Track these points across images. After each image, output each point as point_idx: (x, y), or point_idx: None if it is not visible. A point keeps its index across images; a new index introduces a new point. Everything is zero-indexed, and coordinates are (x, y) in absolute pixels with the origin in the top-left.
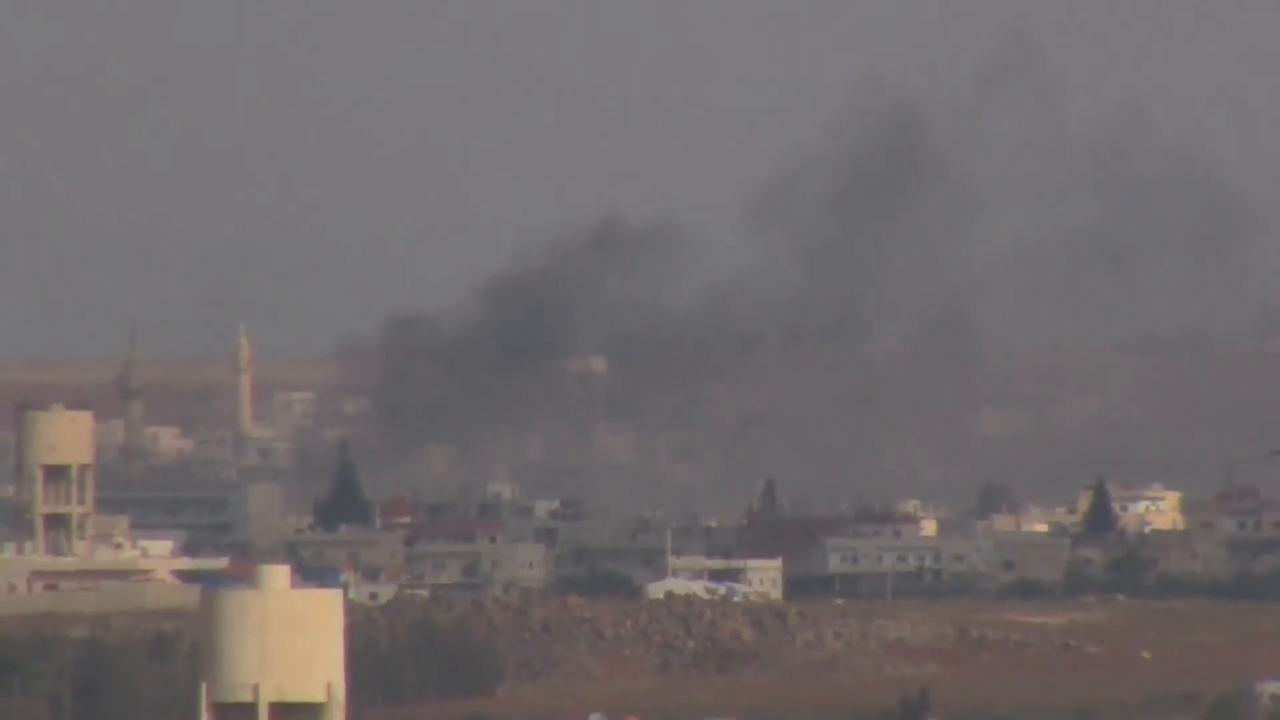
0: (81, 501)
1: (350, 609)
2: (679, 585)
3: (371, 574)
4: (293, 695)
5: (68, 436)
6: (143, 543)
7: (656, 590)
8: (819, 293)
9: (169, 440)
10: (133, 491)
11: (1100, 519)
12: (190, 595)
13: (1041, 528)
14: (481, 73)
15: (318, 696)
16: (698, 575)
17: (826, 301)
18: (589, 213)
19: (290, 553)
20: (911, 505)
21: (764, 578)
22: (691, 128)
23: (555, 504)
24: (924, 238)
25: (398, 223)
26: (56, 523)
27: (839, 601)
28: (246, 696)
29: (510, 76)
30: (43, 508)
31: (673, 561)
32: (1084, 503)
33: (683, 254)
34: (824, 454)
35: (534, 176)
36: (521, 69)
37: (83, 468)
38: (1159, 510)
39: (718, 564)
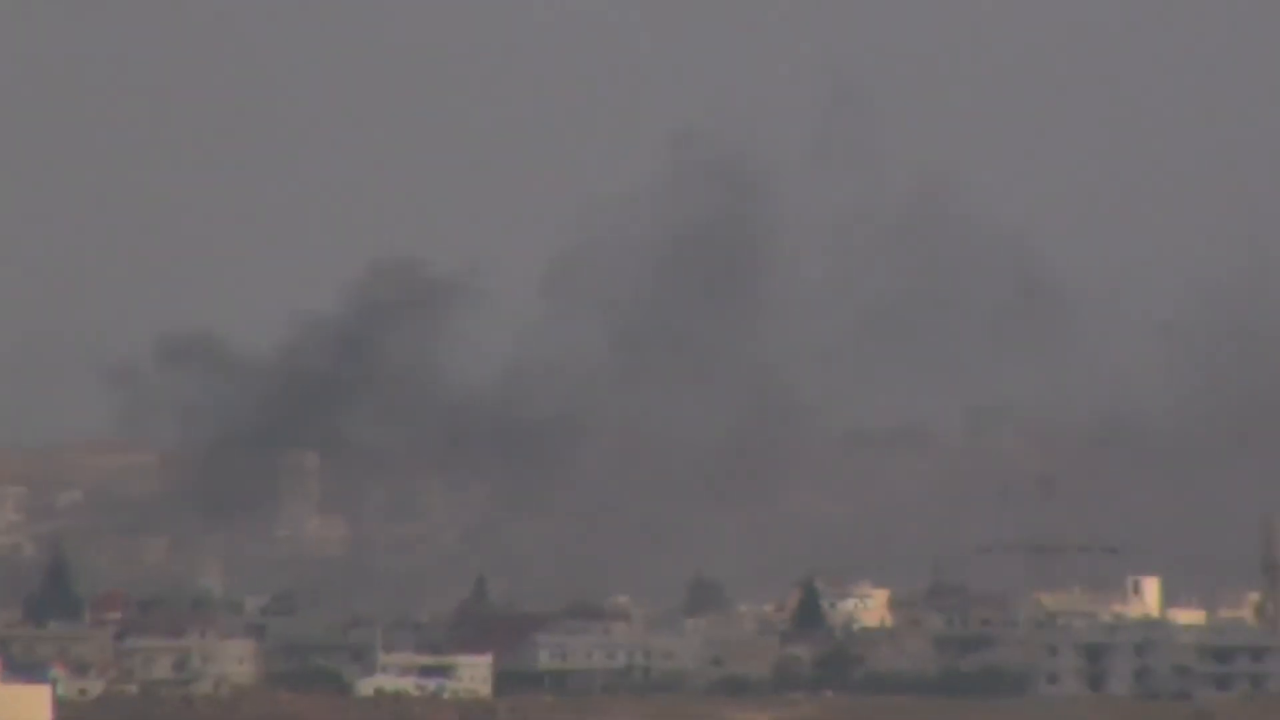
0: None
1: (59, 705)
2: (389, 681)
3: (81, 669)
4: None
5: None
6: None
7: (367, 686)
8: (623, 373)
9: None
10: None
11: (809, 616)
12: None
13: (750, 625)
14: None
15: None
16: (408, 671)
17: (630, 385)
18: (382, 261)
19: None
20: (621, 600)
21: (474, 674)
22: (494, 174)
23: (266, 599)
24: (738, 317)
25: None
26: None
27: (549, 698)
28: None
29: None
30: None
31: (383, 658)
32: (793, 600)
33: (477, 319)
34: (545, 548)
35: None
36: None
37: None
38: (867, 607)
39: (428, 660)
